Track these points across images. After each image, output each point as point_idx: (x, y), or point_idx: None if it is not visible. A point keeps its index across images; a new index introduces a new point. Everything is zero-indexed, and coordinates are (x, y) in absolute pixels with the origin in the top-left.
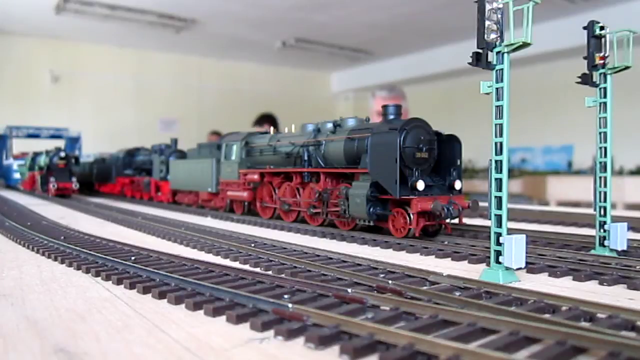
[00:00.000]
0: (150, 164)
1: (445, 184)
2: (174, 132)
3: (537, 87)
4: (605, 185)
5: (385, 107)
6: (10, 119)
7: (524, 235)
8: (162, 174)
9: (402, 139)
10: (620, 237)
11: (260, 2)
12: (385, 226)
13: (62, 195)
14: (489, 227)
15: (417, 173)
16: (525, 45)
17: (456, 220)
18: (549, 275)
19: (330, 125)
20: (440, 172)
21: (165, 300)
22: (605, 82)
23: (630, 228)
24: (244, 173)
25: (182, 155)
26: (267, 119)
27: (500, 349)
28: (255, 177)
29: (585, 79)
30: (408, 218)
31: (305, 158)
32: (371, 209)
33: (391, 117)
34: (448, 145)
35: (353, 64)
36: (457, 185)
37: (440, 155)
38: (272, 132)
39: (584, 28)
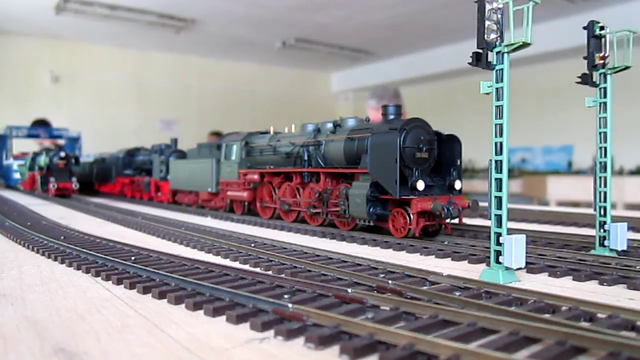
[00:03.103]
0: (150, 164)
1: (445, 184)
2: (174, 132)
3: (537, 87)
4: (605, 185)
5: (385, 107)
6: (10, 119)
7: (524, 235)
8: (162, 174)
9: (402, 139)
10: (620, 237)
11: (260, 2)
12: (385, 226)
13: (62, 195)
14: (489, 227)
15: (417, 173)
16: (525, 45)
17: (456, 220)
18: (549, 275)
19: (330, 125)
20: (440, 172)
21: (165, 300)
22: (605, 82)
23: (630, 228)
24: (244, 173)
25: (182, 155)
26: (38, 123)
27: (500, 349)
28: (255, 177)
29: (585, 79)
30: (408, 218)
31: (305, 158)
32: (371, 209)
33: (391, 117)
34: (448, 145)
35: (353, 64)
36: (457, 185)
37: (440, 155)
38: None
39: (584, 28)
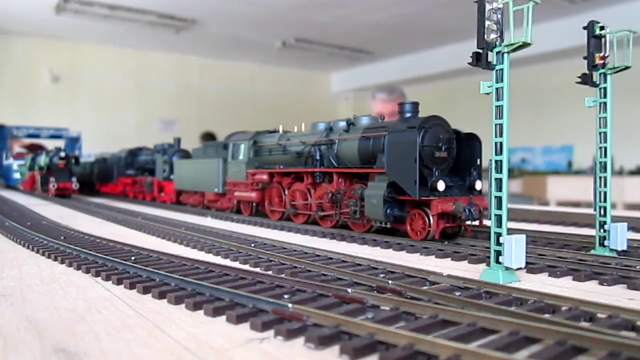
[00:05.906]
0: (152, 164)
1: (464, 184)
2: (174, 132)
3: (537, 87)
4: (605, 185)
5: (402, 104)
6: (10, 119)
7: (524, 235)
8: (165, 173)
9: (421, 137)
10: (620, 237)
11: (260, 2)
12: (402, 228)
13: (62, 195)
14: (489, 227)
15: (436, 173)
16: (525, 45)
17: (476, 222)
18: (549, 275)
19: (343, 124)
20: (458, 172)
21: (165, 300)
22: (605, 82)
23: (630, 228)
24: (252, 173)
25: (185, 154)
26: None
27: (500, 349)
28: (264, 177)
29: (585, 79)
30: (427, 220)
31: (317, 157)
32: (388, 210)
33: (408, 114)
34: (467, 144)
35: (353, 64)
36: (478, 185)
37: (459, 155)
38: None
39: (584, 28)
